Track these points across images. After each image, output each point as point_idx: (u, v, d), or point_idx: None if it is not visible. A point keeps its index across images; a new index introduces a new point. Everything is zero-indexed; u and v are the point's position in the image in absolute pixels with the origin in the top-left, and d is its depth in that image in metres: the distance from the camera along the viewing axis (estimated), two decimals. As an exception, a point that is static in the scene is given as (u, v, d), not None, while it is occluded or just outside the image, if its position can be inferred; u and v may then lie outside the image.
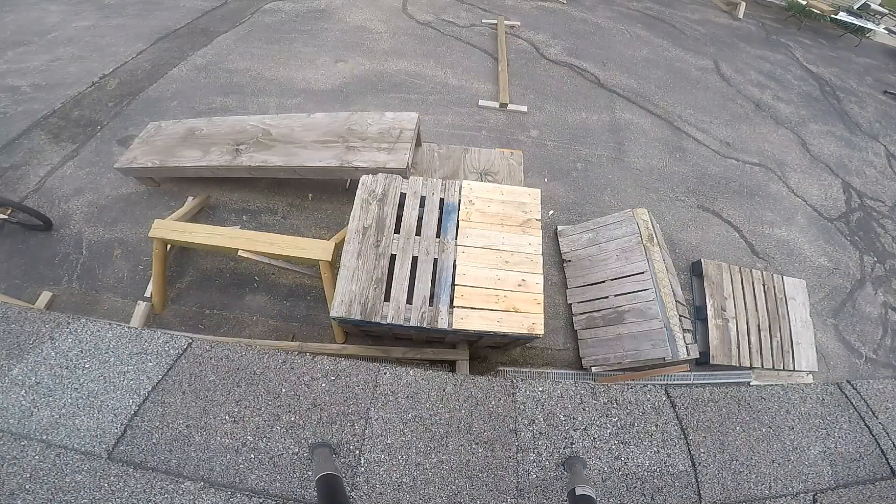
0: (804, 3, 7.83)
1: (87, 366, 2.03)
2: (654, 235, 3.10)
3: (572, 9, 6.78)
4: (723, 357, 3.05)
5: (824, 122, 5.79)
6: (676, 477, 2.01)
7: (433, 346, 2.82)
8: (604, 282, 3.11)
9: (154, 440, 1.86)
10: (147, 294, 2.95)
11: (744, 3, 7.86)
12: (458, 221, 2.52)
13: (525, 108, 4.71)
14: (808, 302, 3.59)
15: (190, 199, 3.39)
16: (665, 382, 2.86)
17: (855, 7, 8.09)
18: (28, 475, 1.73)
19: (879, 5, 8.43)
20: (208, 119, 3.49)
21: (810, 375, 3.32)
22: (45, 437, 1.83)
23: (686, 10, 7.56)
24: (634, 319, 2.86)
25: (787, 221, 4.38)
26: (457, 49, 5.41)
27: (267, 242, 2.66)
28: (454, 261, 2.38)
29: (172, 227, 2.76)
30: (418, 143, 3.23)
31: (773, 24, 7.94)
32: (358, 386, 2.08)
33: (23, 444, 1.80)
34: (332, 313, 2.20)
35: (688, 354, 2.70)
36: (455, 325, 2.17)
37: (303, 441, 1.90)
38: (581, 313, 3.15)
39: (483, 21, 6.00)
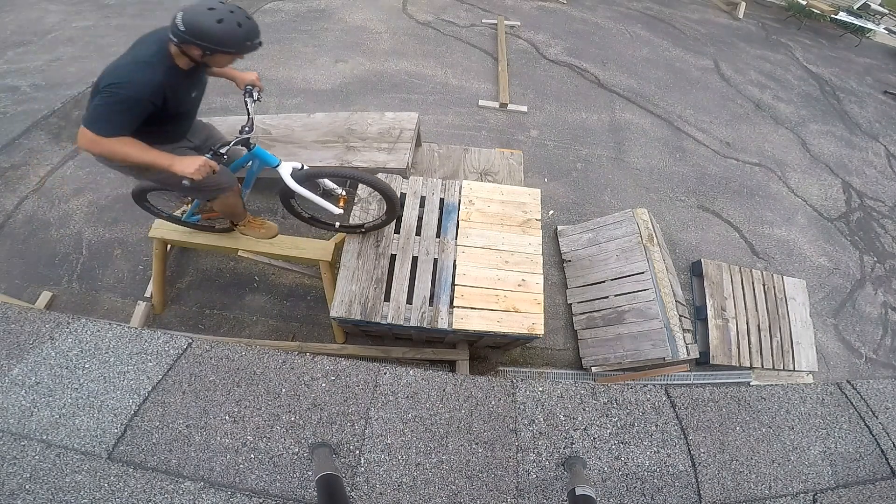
0: (804, 3, 7.83)
1: (87, 366, 2.03)
2: (654, 235, 3.10)
3: (572, 9, 6.78)
4: (723, 357, 3.05)
5: (824, 122, 5.79)
6: (676, 477, 2.01)
7: (433, 346, 2.82)
8: (604, 282, 3.11)
9: (154, 440, 1.86)
10: (147, 294, 2.95)
11: (744, 3, 7.86)
12: (458, 221, 2.52)
13: (525, 108, 4.71)
14: (808, 302, 3.59)
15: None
16: (665, 382, 2.86)
17: (855, 7, 8.09)
18: (28, 475, 1.73)
19: (879, 5, 8.43)
20: (208, 119, 3.48)
21: (810, 375, 3.32)
22: (45, 437, 1.83)
23: (686, 10, 7.56)
24: (634, 319, 2.86)
25: (787, 221, 4.38)
26: (457, 49, 5.41)
27: (267, 242, 2.66)
28: (454, 261, 2.38)
29: (172, 227, 2.76)
30: (418, 143, 3.23)
31: (773, 24, 7.94)
32: (358, 386, 2.08)
33: (23, 444, 1.80)
34: (332, 313, 2.20)
35: (688, 354, 2.70)
36: (455, 325, 2.17)
37: (303, 441, 1.90)
38: (581, 313, 3.15)
39: (483, 21, 5.99)
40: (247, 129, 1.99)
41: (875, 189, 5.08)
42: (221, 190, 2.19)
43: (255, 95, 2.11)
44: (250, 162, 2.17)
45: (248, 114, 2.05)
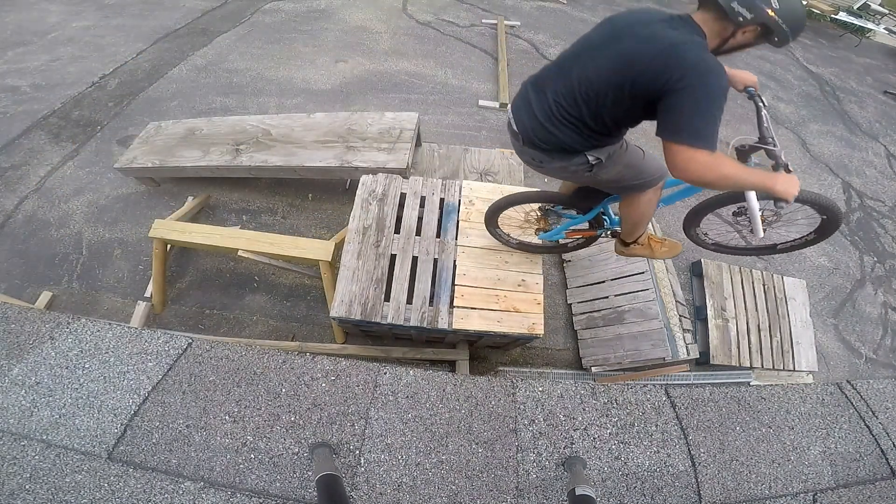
0: (804, 3, 7.83)
1: (87, 366, 2.03)
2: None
3: (572, 9, 6.78)
4: (723, 357, 3.05)
5: (824, 122, 5.79)
6: (676, 477, 2.01)
7: (433, 346, 2.82)
8: (604, 282, 3.10)
9: (154, 440, 1.86)
10: (147, 294, 2.95)
11: (744, 3, 7.85)
12: (458, 221, 2.52)
13: (525, 108, 4.70)
14: (808, 302, 3.59)
15: (190, 199, 3.39)
16: (665, 382, 2.86)
17: (855, 7, 8.09)
18: (28, 475, 1.73)
19: (879, 5, 8.43)
20: (208, 119, 3.49)
21: (810, 375, 3.32)
22: (45, 437, 1.83)
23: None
24: (634, 319, 2.86)
25: (787, 222, 4.37)
26: (457, 49, 5.41)
27: (267, 242, 2.66)
28: (454, 261, 2.37)
29: (172, 227, 2.76)
30: (418, 143, 3.23)
31: (773, 24, 7.93)
32: (358, 386, 2.08)
33: (23, 444, 1.80)
34: (332, 313, 2.20)
35: (688, 354, 2.70)
36: (455, 325, 2.17)
37: (303, 441, 1.90)
38: (581, 313, 3.15)
39: (483, 21, 6.00)
40: (770, 139, 1.47)
41: (875, 189, 5.08)
42: (649, 184, 1.68)
43: (762, 100, 1.61)
44: None
45: (764, 120, 1.53)
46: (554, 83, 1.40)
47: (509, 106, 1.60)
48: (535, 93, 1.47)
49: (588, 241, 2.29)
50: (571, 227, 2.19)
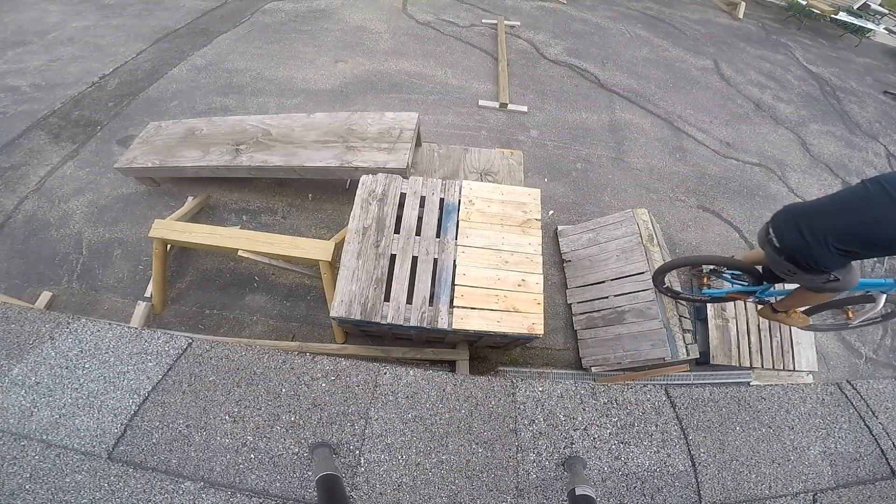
0: (804, 3, 7.83)
1: (87, 366, 2.03)
2: (654, 235, 3.09)
3: (572, 9, 6.79)
4: (723, 357, 3.04)
5: (824, 122, 5.78)
6: (676, 477, 2.01)
7: (433, 346, 2.82)
8: (604, 282, 3.10)
9: (154, 440, 1.86)
10: (147, 294, 2.95)
11: (744, 3, 7.86)
12: (458, 221, 2.52)
13: (525, 108, 4.71)
14: (808, 302, 3.58)
15: (190, 199, 3.39)
16: (665, 382, 2.86)
17: (855, 7, 8.09)
18: (28, 475, 1.73)
19: (879, 5, 8.43)
20: (208, 119, 3.49)
21: (810, 375, 3.31)
22: (45, 437, 1.83)
23: (686, 10, 7.56)
24: (634, 319, 2.86)
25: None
26: (457, 49, 5.41)
27: (267, 242, 2.66)
28: (454, 261, 2.37)
29: (172, 227, 2.76)
30: (418, 143, 3.23)
31: (773, 24, 7.94)
32: (358, 386, 2.08)
33: (23, 444, 1.80)
34: (332, 313, 2.20)
35: (687, 354, 2.70)
36: (455, 325, 2.17)
37: (303, 441, 1.90)
38: (581, 313, 3.15)
39: (483, 21, 6.00)
40: None
41: (875, 189, 5.07)
42: (842, 289, 2.04)
43: None
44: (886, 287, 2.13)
45: None
46: (830, 219, 1.69)
47: (770, 226, 1.89)
48: (804, 221, 1.76)
49: (735, 301, 2.74)
50: (736, 291, 2.53)
